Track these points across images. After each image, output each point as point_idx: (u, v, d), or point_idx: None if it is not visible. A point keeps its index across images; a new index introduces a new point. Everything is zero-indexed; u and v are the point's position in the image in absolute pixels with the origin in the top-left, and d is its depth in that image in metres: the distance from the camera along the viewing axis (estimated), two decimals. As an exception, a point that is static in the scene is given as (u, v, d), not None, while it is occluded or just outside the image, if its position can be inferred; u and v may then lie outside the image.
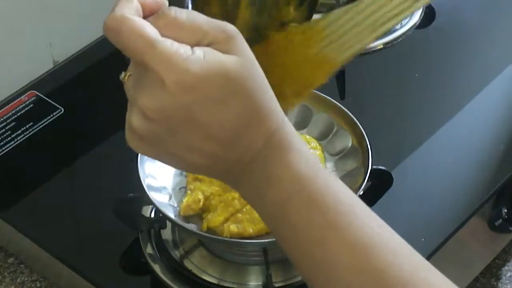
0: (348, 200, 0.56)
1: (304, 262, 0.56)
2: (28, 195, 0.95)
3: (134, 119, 0.53)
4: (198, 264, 0.86)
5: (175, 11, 0.52)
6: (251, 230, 0.80)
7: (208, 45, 0.52)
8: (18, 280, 0.91)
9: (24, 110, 1.03)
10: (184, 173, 0.87)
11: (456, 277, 0.93)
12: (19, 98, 1.04)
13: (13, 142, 0.99)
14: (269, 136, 0.54)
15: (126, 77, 0.54)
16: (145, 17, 0.52)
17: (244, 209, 0.81)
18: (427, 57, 1.11)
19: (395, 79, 1.08)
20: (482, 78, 1.06)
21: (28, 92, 1.05)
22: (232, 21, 0.56)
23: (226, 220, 0.81)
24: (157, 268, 0.85)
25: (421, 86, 1.06)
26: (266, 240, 0.81)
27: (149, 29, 0.51)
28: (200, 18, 0.52)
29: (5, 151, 0.98)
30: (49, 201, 0.94)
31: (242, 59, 0.52)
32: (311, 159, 0.56)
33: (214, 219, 0.81)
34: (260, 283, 0.84)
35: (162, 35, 0.51)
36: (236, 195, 0.82)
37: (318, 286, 0.56)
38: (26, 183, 0.96)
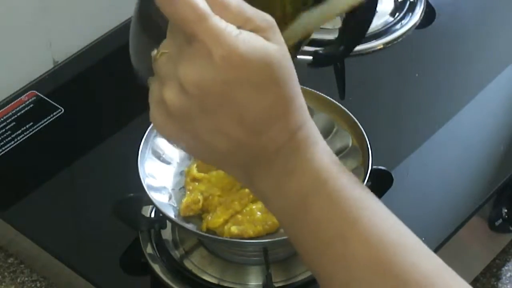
0: (368, 197, 0.56)
1: (322, 259, 0.56)
2: (28, 195, 0.95)
3: (168, 93, 0.52)
4: (198, 264, 0.86)
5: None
6: (252, 232, 0.80)
7: (250, 31, 0.52)
8: (18, 280, 0.91)
9: (24, 110, 1.03)
10: (184, 173, 0.87)
11: (456, 277, 0.94)
12: (19, 98, 1.04)
13: (13, 142, 0.99)
14: (295, 130, 0.54)
15: (159, 54, 0.53)
16: None
17: (244, 211, 0.81)
18: (427, 57, 1.11)
19: (395, 79, 1.08)
20: (482, 78, 1.06)
21: (28, 92, 1.05)
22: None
23: (226, 221, 0.81)
24: (157, 268, 0.85)
25: (421, 86, 1.06)
26: (266, 240, 0.81)
27: (203, 3, 0.51)
28: (245, 5, 0.52)
29: (5, 151, 0.98)
30: (49, 201, 0.94)
31: (283, 49, 0.53)
32: (334, 156, 0.57)
33: (214, 220, 0.81)
34: (260, 283, 0.84)
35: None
36: (236, 196, 0.82)
37: (335, 284, 0.55)
38: (26, 183, 0.96)
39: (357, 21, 0.76)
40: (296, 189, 0.55)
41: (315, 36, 1.15)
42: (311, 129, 0.56)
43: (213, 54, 0.50)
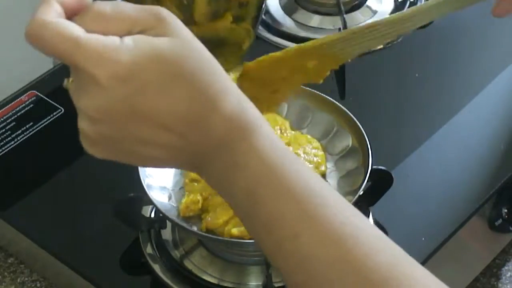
0: (319, 189, 0.53)
1: (279, 258, 0.53)
2: (28, 195, 0.95)
3: (81, 124, 0.52)
4: (198, 264, 0.86)
5: (99, 5, 0.50)
6: (252, 234, 0.80)
7: (140, 32, 0.50)
8: (18, 280, 0.91)
9: (24, 110, 1.03)
10: (184, 173, 0.87)
11: (456, 277, 0.94)
12: (19, 98, 1.04)
13: (13, 142, 0.99)
14: (228, 119, 0.51)
15: (70, 83, 0.52)
16: (69, 18, 0.50)
17: (244, 211, 0.81)
18: (427, 57, 1.11)
19: (395, 79, 1.08)
20: (482, 78, 1.06)
21: (28, 92, 1.05)
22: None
23: (226, 222, 0.81)
24: (157, 268, 0.85)
25: (421, 86, 1.06)
26: (266, 240, 0.81)
27: (72, 28, 0.49)
28: (127, 7, 0.50)
29: (5, 151, 0.98)
30: (49, 201, 0.94)
31: (176, 40, 0.49)
32: (278, 143, 0.53)
33: (214, 221, 0.81)
34: (260, 283, 0.84)
35: (90, 31, 0.49)
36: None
37: (297, 284, 0.53)
38: (26, 183, 0.96)
39: None
40: (243, 183, 0.52)
41: (315, 36, 1.15)
42: (248, 114, 0.52)
43: (98, 78, 0.48)
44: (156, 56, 0.49)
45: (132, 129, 0.50)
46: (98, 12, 0.50)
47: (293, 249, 0.51)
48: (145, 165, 0.55)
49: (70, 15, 0.51)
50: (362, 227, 0.52)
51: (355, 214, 0.53)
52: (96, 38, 0.49)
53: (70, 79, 0.52)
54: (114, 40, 0.49)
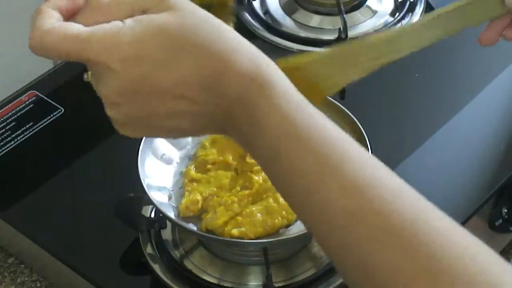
0: (340, 141, 0.53)
1: (304, 210, 0.53)
2: (28, 195, 0.95)
3: (109, 112, 0.53)
4: (198, 264, 0.86)
5: None
6: (252, 235, 0.80)
7: (142, 13, 0.51)
8: (18, 280, 0.91)
9: (24, 110, 1.03)
10: (184, 173, 0.87)
11: (456, 277, 0.94)
12: (19, 98, 1.04)
13: (13, 142, 0.99)
14: (243, 77, 0.52)
15: (90, 76, 0.54)
16: (69, 19, 0.52)
17: (244, 212, 0.81)
18: (427, 57, 1.11)
19: (395, 79, 1.08)
20: (482, 78, 1.06)
21: (28, 92, 1.05)
22: None
23: (226, 223, 0.81)
24: (157, 268, 0.85)
25: (421, 86, 1.06)
26: (266, 240, 0.81)
27: (72, 28, 0.50)
28: None
29: (5, 151, 0.98)
30: (49, 201, 0.94)
31: (178, 12, 0.51)
32: (296, 98, 0.54)
33: (213, 222, 0.81)
34: (260, 283, 0.84)
35: (93, 24, 0.50)
36: (235, 198, 0.82)
37: (319, 236, 0.53)
38: (26, 183, 0.96)
39: None
40: (264, 141, 0.53)
41: (315, 36, 1.15)
42: (262, 71, 0.52)
43: (110, 65, 0.50)
44: (159, 30, 0.50)
45: (153, 104, 0.52)
46: (97, 4, 0.51)
47: (316, 201, 0.52)
48: (176, 136, 0.56)
49: (69, 16, 0.52)
50: (386, 178, 0.53)
51: (376, 165, 0.53)
52: (97, 29, 0.50)
53: (89, 72, 0.54)
54: (115, 25, 0.50)
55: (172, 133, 0.56)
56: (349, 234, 0.51)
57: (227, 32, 0.53)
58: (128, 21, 0.50)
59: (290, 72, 0.55)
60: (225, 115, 0.53)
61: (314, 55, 0.69)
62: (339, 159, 0.52)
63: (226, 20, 0.66)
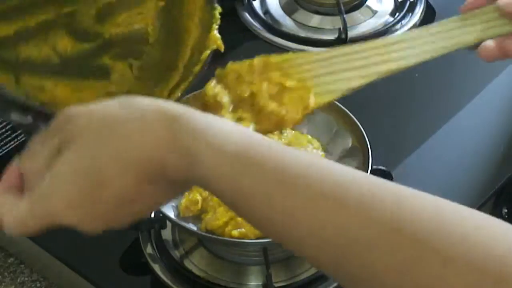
0: (295, 158, 0.50)
1: (285, 238, 0.50)
2: (28, 195, 0.94)
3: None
4: (198, 264, 0.86)
5: (20, 162, 0.57)
6: (252, 235, 0.80)
7: (60, 149, 0.53)
8: (18, 280, 0.91)
9: (24, 110, 1.03)
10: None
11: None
12: (19, 98, 1.04)
13: (13, 142, 0.99)
14: (162, 155, 0.51)
15: None
16: (20, 184, 0.56)
17: (244, 212, 0.81)
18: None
19: (395, 79, 1.08)
20: (482, 78, 1.06)
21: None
22: None
23: (226, 223, 0.81)
24: (157, 268, 0.85)
25: (421, 86, 1.06)
26: (266, 240, 0.81)
27: (12, 213, 0.54)
28: (35, 146, 0.55)
29: (5, 151, 0.98)
30: (49, 201, 0.94)
31: (76, 143, 0.52)
32: (237, 127, 0.52)
33: (213, 222, 0.81)
34: (260, 283, 0.84)
35: (29, 187, 0.54)
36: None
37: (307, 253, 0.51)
38: (26, 183, 0.96)
39: None
40: (222, 188, 0.51)
41: (315, 36, 1.15)
42: (185, 132, 0.50)
43: (66, 220, 0.56)
44: (70, 174, 0.52)
45: (126, 212, 0.53)
46: (25, 170, 0.56)
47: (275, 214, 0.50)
48: (145, 214, 0.57)
49: (21, 182, 0.56)
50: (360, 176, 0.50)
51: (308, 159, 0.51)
52: (35, 200, 0.54)
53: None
54: (41, 188, 0.53)
55: (149, 211, 0.59)
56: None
57: (125, 118, 0.52)
58: (47, 176, 0.53)
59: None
60: (177, 185, 0.53)
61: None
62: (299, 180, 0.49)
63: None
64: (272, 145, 0.51)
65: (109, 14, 0.68)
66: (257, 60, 0.67)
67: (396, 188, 0.49)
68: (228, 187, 0.50)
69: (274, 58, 0.67)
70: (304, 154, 0.52)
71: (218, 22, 0.68)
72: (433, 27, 0.71)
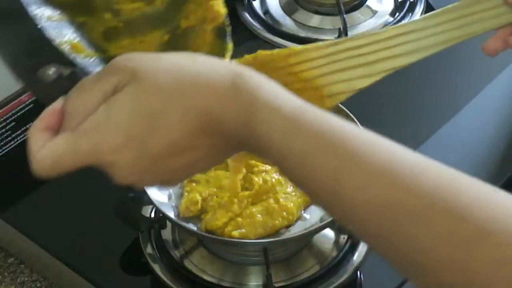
0: (347, 132, 0.52)
1: (332, 206, 0.51)
2: (28, 195, 0.95)
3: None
4: (198, 264, 0.86)
5: (69, 102, 0.55)
6: (253, 236, 0.80)
7: (114, 91, 0.52)
8: (18, 280, 0.91)
9: (24, 110, 1.03)
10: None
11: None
12: (19, 98, 1.04)
13: (13, 142, 0.99)
14: (236, 102, 0.51)
15: None
16: (59, 127, 0.55)
17: (244, 213, 0.81)
18: (427, 57, 1.11)
19: (395, 79, 1.08)
20: (482, 78, 1.06)
21: (28, 92, 1.05)
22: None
23: (226, 224, 0.81)
24: (157, 268, 0.85)
25: (421, 86, 1.06)
26: (266, 240, 0.81)
27: (59, 146, 0.54)
28: (87, 84, 0.54)
29: (5, 151, 0.98)
30: (49, 201, 0.94)
31: (136, 84, 0.52)
32: (288, 97, 0.52)
33: (213, 222, 0.81)
34: (260, 283, 0.84)
35: (74, 126, 0.53)
36: (235, 199, 0.82)
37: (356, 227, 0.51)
38: (26, 183, 0.96)
39: None
40: (276, 149, 0.51)
41: (315, 36, 1.15)
42: (251, 87, 0.51)
43: (109, 161, 0.53)
44: (132, 108, 0.51)
45: (165, 167, 0.53)
46: (72, 108, 0.54)
47: (342, 195, 0.50)
48: (192, 174, 0.57)
49: (58, 125, 0.56)
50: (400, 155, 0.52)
51: (386, 144, 0.53)
52: (80, 135, 0.53)
53: None
54: (91, 122, 0.52)
55: (191, 174, 0.57)
56: (387, 219, 0.49)
57: (194, 68, 0.52)
58: (100, 110, 0.52)
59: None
60: (229, 143, 0.53)
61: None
62: (354, 147, 0.51)
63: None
64: (323, 113, 0.52)
65: (115, 35, 0.69)
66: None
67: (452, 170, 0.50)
68: (282, 146, 0.51)
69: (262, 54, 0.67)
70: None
71: (230, 53, 0.68)
72: (437, 16, 0.70)
